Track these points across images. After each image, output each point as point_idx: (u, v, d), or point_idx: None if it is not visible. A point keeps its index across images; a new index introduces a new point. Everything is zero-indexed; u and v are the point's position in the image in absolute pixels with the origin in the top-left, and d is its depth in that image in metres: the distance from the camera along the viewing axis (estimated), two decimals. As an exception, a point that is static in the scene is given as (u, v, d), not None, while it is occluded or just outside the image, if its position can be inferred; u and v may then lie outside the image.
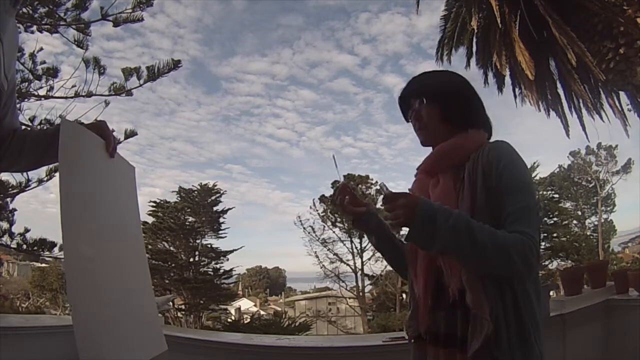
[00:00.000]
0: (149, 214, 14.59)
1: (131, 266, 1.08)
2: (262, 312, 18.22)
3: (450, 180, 1.01)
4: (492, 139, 1.07)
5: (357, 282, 18.93)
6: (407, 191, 1.08)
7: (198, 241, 14.87)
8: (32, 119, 4.17)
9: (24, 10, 3.81)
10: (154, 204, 14.92)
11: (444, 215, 0.86)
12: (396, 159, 35.95)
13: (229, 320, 13.62)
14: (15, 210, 4.50)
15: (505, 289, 0.89)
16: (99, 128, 1.00)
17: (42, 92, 4.22)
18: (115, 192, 1.08)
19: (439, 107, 1.08)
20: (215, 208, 15.16)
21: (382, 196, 0.95)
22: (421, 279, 1.03)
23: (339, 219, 18.10)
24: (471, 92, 1.13)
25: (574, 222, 19.66)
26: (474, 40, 7.67)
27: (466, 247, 0.86)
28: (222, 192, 15.41)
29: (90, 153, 0.97)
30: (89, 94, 4.14)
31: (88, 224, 0.90)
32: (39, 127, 4.19)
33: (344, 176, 1.30)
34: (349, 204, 1.16)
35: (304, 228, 18.95)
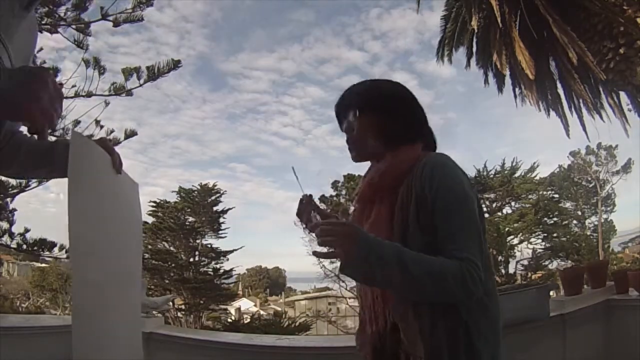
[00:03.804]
0: (149, 214, 14.61)
1: (129, 286, 1.08)
2: (262, 312, 18.21)
3: (386, 208, 0.95)
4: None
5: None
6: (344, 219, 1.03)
7: (198, 241, 14.86)
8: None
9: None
10: (154, 204, 14.93)
11: (377, 252, 0.82)
12: None
13: (229, 320, 13.62)
14: (15, 210, 4.50)
15: (445, 319, 0.85)
16: (103, 143, 0.99)
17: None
18: (121, 210, 1.07)
19: (374, 120, 1.01)
20: (215, 208, 15.16)
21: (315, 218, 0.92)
22: (364, 302, 0.99)
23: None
24: (411, 104, 1.04)
25: (574, 222, 19.64)
26: (474, 40, 7.68)
27: (401, 282, 0.83)
28: (222, 192, 15.42)
29: (99, 168, 0.96)
30: (89, 94, 4.15)
31: (96, 245, 0.90)
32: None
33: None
34: (314, 217, 1.10)
35: (304, 228, 18.89)
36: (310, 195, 1.12)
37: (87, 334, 0.82)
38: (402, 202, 0.92)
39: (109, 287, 0.94)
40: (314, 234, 0.90)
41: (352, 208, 1.11)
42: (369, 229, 0.92)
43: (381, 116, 1.00)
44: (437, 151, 1.06)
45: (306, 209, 1.10)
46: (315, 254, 0.89)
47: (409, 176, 0.93)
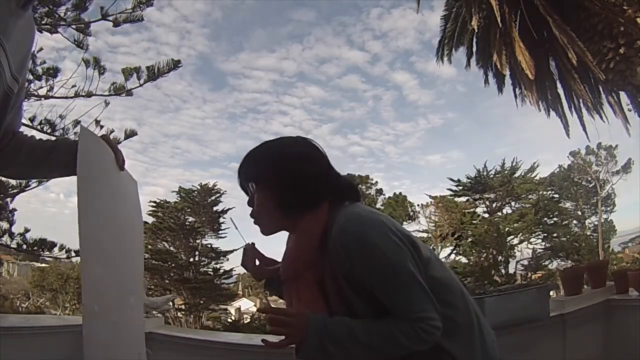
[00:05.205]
0: (149, 214, 14.63)
1: (133, 285, 1.08)
2: (262, 312, 18.19)
3: (312, 287, 0.93)
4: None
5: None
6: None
7: (198, 241, 14.87)
8: (32, 119, 4.18)
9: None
10: (154, 204, 14.94)
11: (330, 336, 0.83)
12: (402, 158, 35.74)
13: (229, 320, 13.62)
14: (15, 210, 4.51)
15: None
16: (107, 140, 1.00)
17: (42, 92, 4.23)
18: (125, 207, 1.08)
19: (271, 190, 0.94)
20: (215, 208, 15.17)
21: (265, 312, 0.89)
22: None
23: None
24: (307, 165, 0.96)
25: (574, 222, 19.63)
26: (474, 40, 7.68)
27: (358, 354, 0.85)
28: (222, 192, 15.44)
29: (105, 165, 0.97)
30: (89, 94, 4.15)
31: (103, 241, 0.91)
32: (39, 126, 4.19)
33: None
34: (260, 265, 1.09)
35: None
36: (253, 244, 1.11)
37: (97, 332, 0.82)
38: (331, 281, 0.91)
39: (115, 285, 0.94)
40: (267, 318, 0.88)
41: None
42: (305, 309, 0.92)
43: (277, 186, 0.94)
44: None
45: (250, 258, 1.09)
46: (265, 343, 0.89)
47: (324, 249, 0.90)
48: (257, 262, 1.10)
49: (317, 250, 0.92)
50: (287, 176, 0.94)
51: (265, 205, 0.96)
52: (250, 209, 1.00)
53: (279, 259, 1.05)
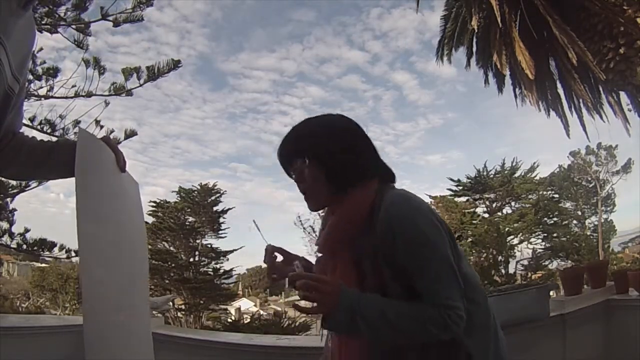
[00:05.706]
0: (149, 214, 14.61)
1: (137, 286, 1.07)
2: (262, 312, 18.19)
3: (349, 263, 0.93)
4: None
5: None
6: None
7: (198, 241, 14.86)
8: (32, 119, 4.19)
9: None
10: (154, 204, 14.93)
11: (361, 312, 0.83)
12: (402, 158, 35.75)
13: (229, 320, 13.61)
14: (15, 210, 4.51)
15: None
16: (107, 141, 0.99)
17: (42, 92, 4.23)
18: (126, 208, 1.07)
19: (325, 165, 0.94)
20: (215, 208, 15.16)
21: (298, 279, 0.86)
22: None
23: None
24: (360, 140, 0.99)
25: (574, 222, 19.65)
26: (474, 40, 7.68)
27: (385, 336, 0.85)
28: (222, 192, 15.44)
29: (105, 165, 0.96)
30: (89, 94, 4.16)
31: (102, 242, 0.90)
32: (39, 126, 4.19)
33: None
34: (283, 264, 1.09)
35: (304, 228, 18.88)
36: (272, 246, 1.12)
37: (98, 333, 0.82)
38: (369, 257, 0.90)
39: (117, 286, 0.93)
40: (294, 285, 0.86)
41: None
42: None
43: (329, 161, 0.94)
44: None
45: (269, 258, 1.11)
46: (295, 307, 0.88)
47: (368, 227, 0.90)
48: (281, 258, 1.11)
49: (359, 227, 0.92)
50: (339, 150, 0.95)
51: (317, 181, 0.96)
52: (296, 185, 1.01)
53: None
